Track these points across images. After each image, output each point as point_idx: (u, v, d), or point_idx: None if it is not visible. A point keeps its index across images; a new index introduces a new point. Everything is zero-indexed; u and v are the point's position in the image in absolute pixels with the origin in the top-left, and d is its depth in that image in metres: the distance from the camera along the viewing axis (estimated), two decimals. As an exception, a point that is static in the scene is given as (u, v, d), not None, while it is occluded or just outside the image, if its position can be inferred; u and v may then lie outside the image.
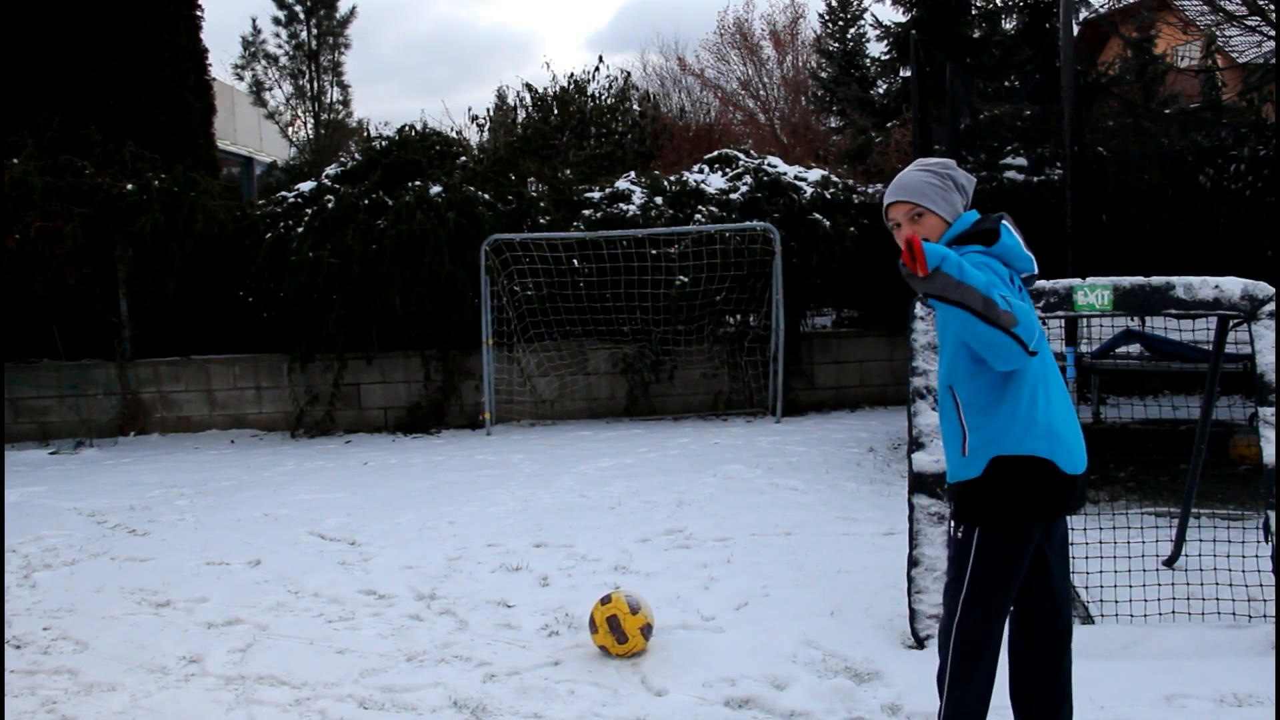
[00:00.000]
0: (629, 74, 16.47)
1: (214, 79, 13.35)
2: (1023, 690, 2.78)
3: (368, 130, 17.09)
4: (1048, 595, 2.73)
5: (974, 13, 14.28)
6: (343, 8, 24.55)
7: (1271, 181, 8.88)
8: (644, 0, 47.84)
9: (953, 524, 2.71)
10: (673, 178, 10.80)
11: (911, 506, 3.95)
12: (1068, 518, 2.81)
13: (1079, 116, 6.99)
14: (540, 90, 16.12)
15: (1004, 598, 2.66)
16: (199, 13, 12.53)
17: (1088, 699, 3.37)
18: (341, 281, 9.58)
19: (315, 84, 24.41)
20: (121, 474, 8.10)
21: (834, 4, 24.42)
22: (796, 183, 10.62)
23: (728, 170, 10.96)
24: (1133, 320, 6.81)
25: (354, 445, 9.35)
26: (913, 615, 3.90)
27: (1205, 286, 3.88)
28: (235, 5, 32.40)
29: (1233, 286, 3.85)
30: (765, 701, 3.47)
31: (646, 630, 3.85)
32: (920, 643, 3.85)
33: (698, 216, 10.18)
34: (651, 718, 3.40)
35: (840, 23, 24.53)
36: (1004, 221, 2.70)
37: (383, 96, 46.18)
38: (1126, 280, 3.95)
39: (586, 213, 10.29)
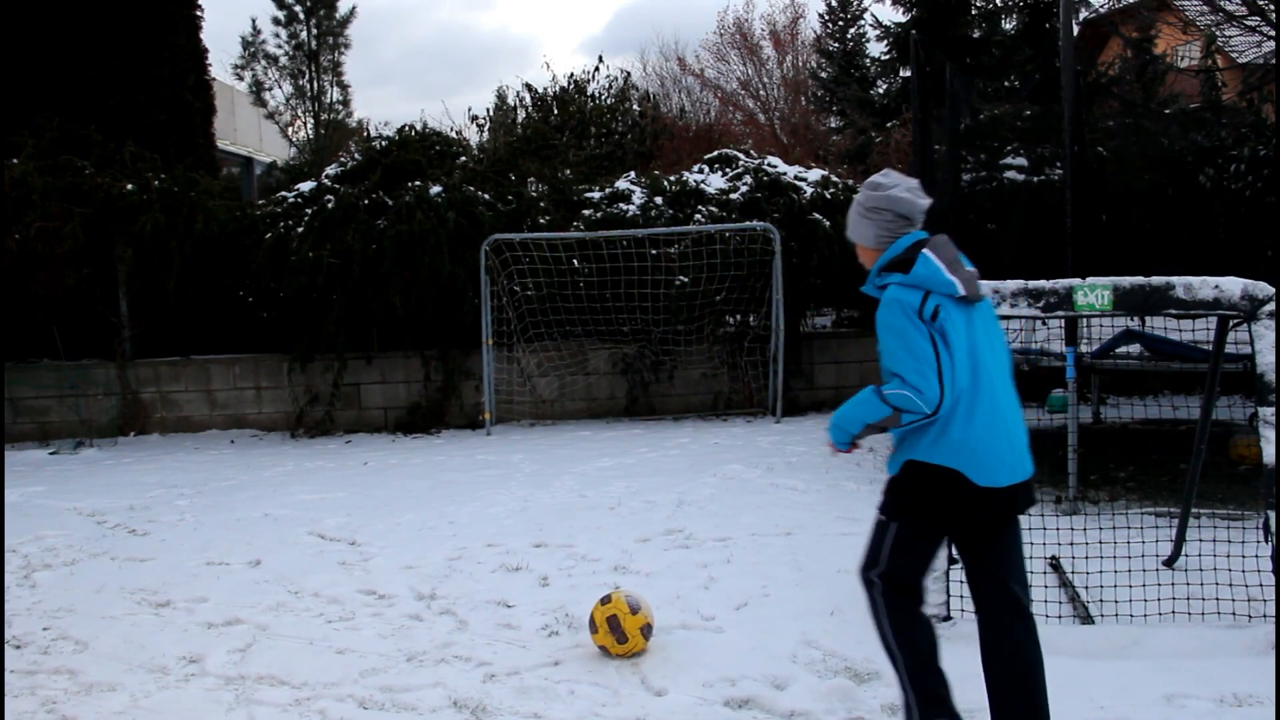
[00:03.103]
0: (629, 74, 16.49)
1: (214, 79, 13.35)
2: (994, 677, 2.88)
3: (368, 130, 17.15)
4: (999, 590, 2.89)
5: (974, 13, 14.30)
6: (342, 8, 24.57)
7: (1271, 181, 8.88)
8: (640, 4, 47.89)
9: (879, 511, 2.95)
10: (673, 178, 10.80)
11: (911, 506, 3.94)
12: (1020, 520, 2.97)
13: (1079, 116, 6.99)
14: (540, 90, 16.14)
15: (918, 573, 2.90)
16: (199, 13, 12.53)
17: (1087, 699, 3.37)
18: (341, 281, 9.58)
19: (315, 84, 24.42)
20: (121, 474, 8.10)
21: (834, 4, 24.42)
22: (796, 183, 10.62)
23: (728, 170, 10.96)
24: (1133, 320, 6.80)
25: (354, 445, 9.35)
26: (913, 615, 3.89)
27: (1205, 286, 3.87)
28: (235, 5, 32.42)
29: (1233, 286, 3.85)
30: (765, 701, 3.47)
31: (646, 630, 3.85)
32: (920, 643, 3.85)
33: (698, 216, 10.18)
34: (651, 718, 3.40)
35: (840, 23, 24.54)
36: (925, 250, 2.83)
37: (384, 99, 46.27)
38: (1126, 280, 3.95)
39: (586, 213, 10.29)
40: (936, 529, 2.89)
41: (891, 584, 2.89)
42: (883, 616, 2.92)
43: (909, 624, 2.88)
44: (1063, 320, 6.17)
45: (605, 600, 3.87)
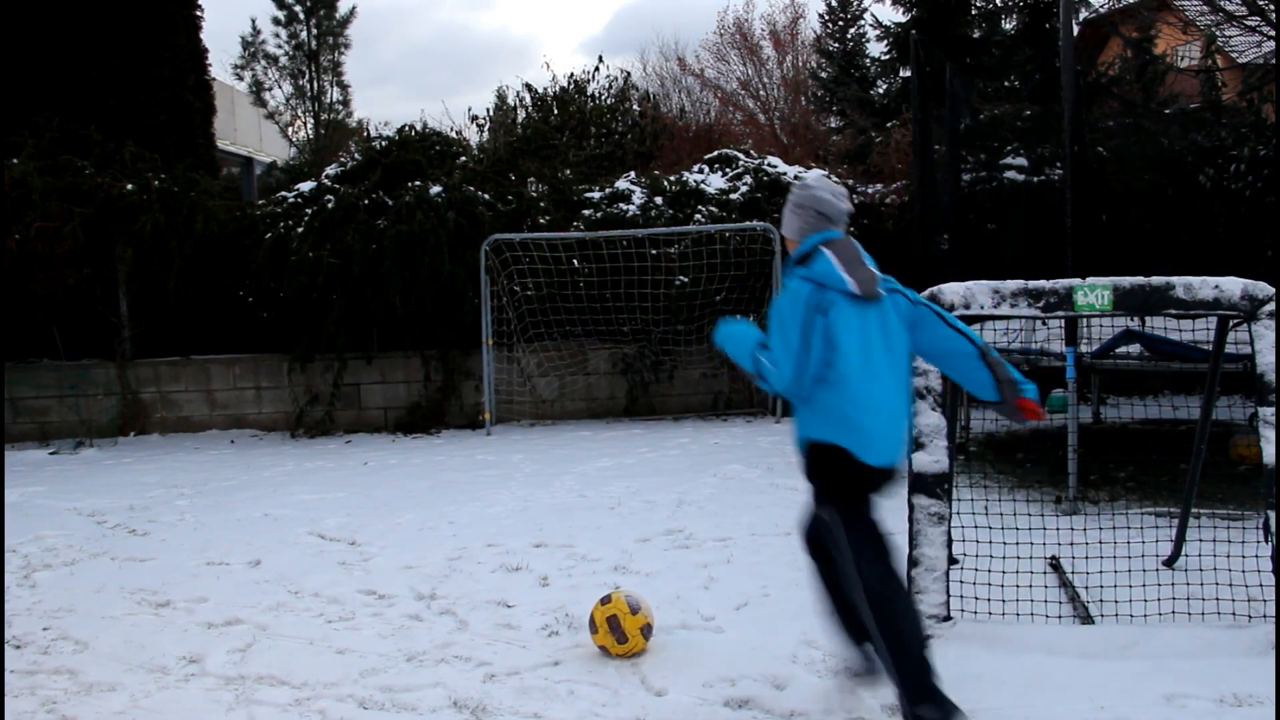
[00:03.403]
0: (629, 74, 16.48)
1: (214, 79, 13.36)
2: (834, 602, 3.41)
3: (368, 130, 17.15)
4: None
5: (974, 13, 14.29)
6: (342, 8, 24.62)
7: (1271, 181, 8.89)
8: (640, 4, 47.87)
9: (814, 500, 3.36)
10: (673, 178, 10.80)
11: (911, 506, 3.94)
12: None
13: (1079, 116, 6.99)
14: (540, 90, 16.13)
15: (880, 545, 3.18)
16: (199, 13, 12.54)
17: (1087, 699, 3.37)
18: (341, 281, 9.58)
19: (315, 84, 24.45)
20: (121, 474, 8.10)
21: (834, 4, 24.41)
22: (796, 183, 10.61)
23: (728, 170, 10.97)
24: (1133, 320, 6.80)
25: (354, 445, 9.35)
26: (913, 615, 3.89)
27: (1205, 286, 3.87)
28: (235, 5, 32.41)
29: (1233, 286, 3.85)
30: (765, 701, 3.47)
31: (646, 630, 3.85)
32: (920, 643, 3.84)
33: (698, 216, 10.18)
34: (651, 718, 3.40)
35: (840, 23, 24.53)
36: (824, 248, 3.15)
37: (384, 99, 46.22)
38: (1126, 280, 3.95)
39: (586, 213, 10.29)
40: (853, 497, 3.21)
41: (874, 585, 3.12)
42: (880, 623, 3.08)
43: (909, 626, 3.09)
44: (1063, 320, 6.17)
45: (605, 600, 3.87)
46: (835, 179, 11.05)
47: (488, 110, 18.69)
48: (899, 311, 3.21)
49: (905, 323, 3.21)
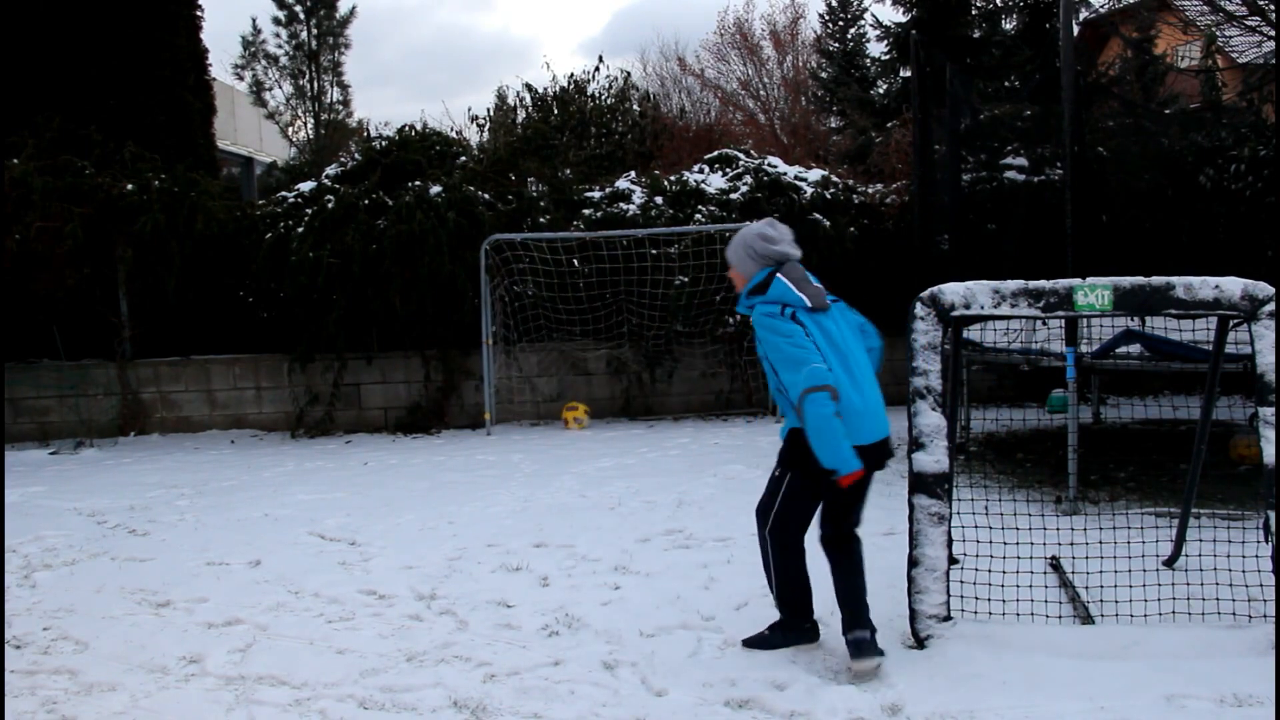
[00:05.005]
0: (629, 74, 16.47)
1: (214, 79, 13.35)
2: (835, 576, 3.81)
3: (368, 130, 17.10)
4: (839, 517, 3.82)
5: (974, 13, 14.29)
6: (343, 8, 24.60)
7: (1271, 181, 8.89)
8: (637, 6, 47.89)
9: (776, 467, 3.88)
10: (673, 178, 10.80)
11: (911, 506, 3.94)
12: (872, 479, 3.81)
13: (1079, 116, 6.99)
14: (540, 90, 16.12)
15: (802, 517, 3.82)
16: (199, 13, 12.54)
17: (1088, 699, 3.37)
18: (341, 281, 9.58)
19: (315, 84, 24.43)
20: (121, 474, 8.11)
21: (834, 4, 24.41)
22: (796, 183, 10.62)
23: (728, 170, 10.96)
24: (1133, 320, 6.80)
25: (354, 445, 9.35)
26: (913, 615, 3.89)
27: (1205, 286, 3.87)
28: (235, 5, 32.39)
29: (1233, 286, 3.85)
30: (765, 701, 3.47)
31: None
32: (921, 643, 3.85)
33: (698, 216, 10.18)
34: (651, 718, 3.40)
35: (840, 23, 24.53)
36: (778, 274, 3.83)
37: (384, 100, 46.25)
38: (1126, 280, 3.95)
39: (586, 213, 10.29)
40: (809, 477, 3.71)
41: (783, 538, 3.82)
42: (775, 566, 3.86)
43: (795, 571, 3.87)
44: (1063, 320, 6.17)
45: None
46: (835, 178, 11.05)
47: (488, 110, 18.68)
48: (847, 318, 3.87)
49: (853, 327, 3.85)
